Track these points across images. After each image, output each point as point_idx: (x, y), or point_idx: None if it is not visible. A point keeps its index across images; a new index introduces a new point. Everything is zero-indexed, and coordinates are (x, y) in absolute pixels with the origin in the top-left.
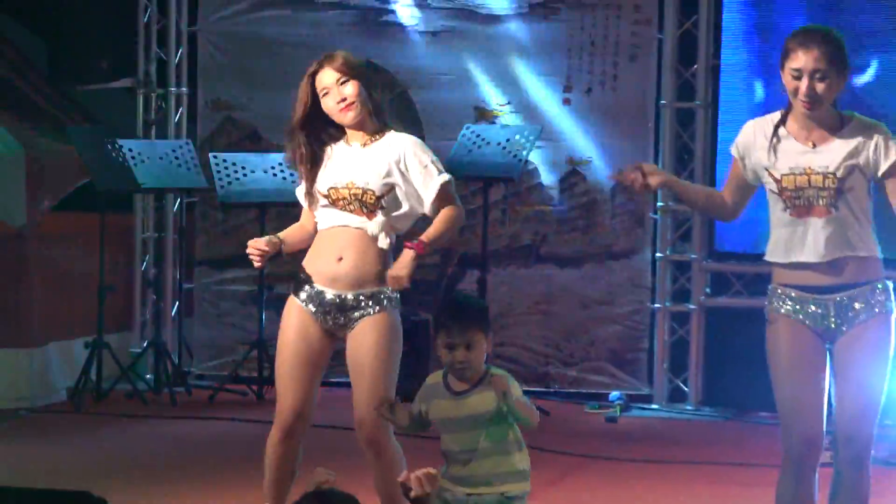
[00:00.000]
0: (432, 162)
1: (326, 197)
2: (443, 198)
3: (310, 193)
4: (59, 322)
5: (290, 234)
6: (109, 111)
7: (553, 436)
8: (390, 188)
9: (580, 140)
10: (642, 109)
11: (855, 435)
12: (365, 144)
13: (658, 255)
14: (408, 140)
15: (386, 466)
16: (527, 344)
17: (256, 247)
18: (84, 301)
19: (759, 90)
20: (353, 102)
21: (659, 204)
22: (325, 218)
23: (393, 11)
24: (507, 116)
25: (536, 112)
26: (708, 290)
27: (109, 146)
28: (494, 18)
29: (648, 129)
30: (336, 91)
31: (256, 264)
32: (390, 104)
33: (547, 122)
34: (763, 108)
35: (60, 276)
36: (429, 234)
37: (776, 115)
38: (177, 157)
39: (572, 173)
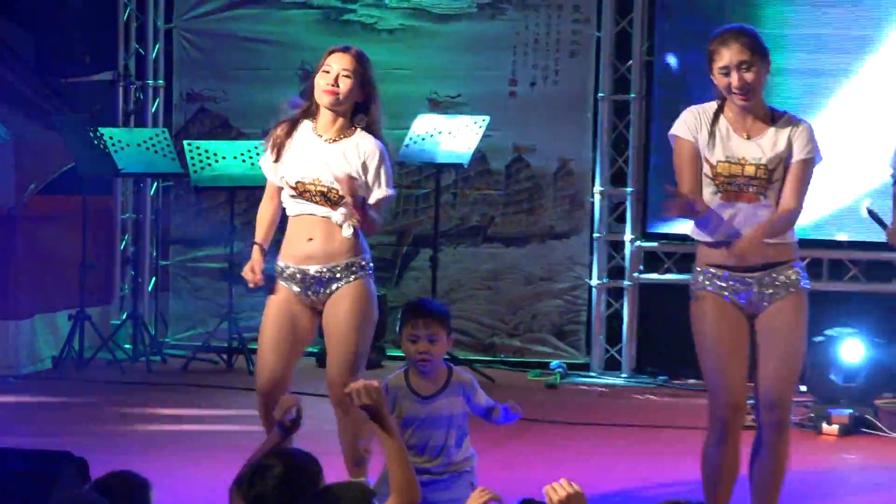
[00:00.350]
0: (387, 175)
1: (294, 188)
2: (379, 206)
3: (274, 165)
4: (44, 296)
5: (265, 231)
6: (91, 102)
7: (499, 401)
8: (357, 179)
9: (525, 129)
10: (582, 102)
11: (776, 401)
12: (332, 140)
13: (595, 235)
14: (375, 147)
15: (354, 424)
16: (475, 317)
17: (253, 278)
18: (68, 277)
19: (691, 84)
20: (337, 94)
21: (596, 188)
22: (293, 206)
23: (354, 10)
24: (458, 107)
25: (484, 103)
26: (641, 267)
27: (91, 134)
28: (446, 17)
29: (587, 119)
30: (336, 76)
31: (251, 284)
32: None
33: (494, 112)
34: (694, 101)
35: (46, 253)
36: (368, 219)
37: (713, 105)
38: (153, 145)
39: (517, 160)
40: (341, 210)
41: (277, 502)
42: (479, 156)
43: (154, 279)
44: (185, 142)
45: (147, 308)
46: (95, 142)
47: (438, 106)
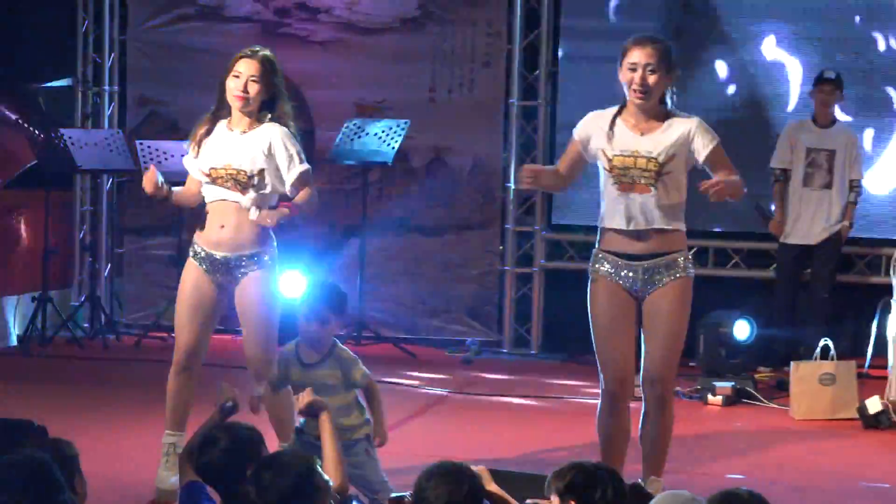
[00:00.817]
0: (297, 152)
1: (207, 175)
2: (303, 181)
3: (195, 160)
4: (10, 280)
5: (178, 192)
6: (53, 105)
7: (419, 375)
8: (260, 170)
9: (442, 132)
10: (494, 107)
11: (658, 378)
12: (244, 132)
13: (506, 226)
14: (278, 131)
15: (269, 400)
16: (399, 299)
17: (153, 182)
18: (31, 263)
19: (591, 92)
20: (247, 99)
21: (507, 185)
22: (209, 192)
23: (290, 24)
24: (383, 112)
25: (406, 108)
26: (547, 255)
27: (53, 134)
28: (372, 31)
29: (499, 123)
30: (245, 82)
31: (148, 190)
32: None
33: (415, 116)
34: (594, 108)
35: (12, 241)
36: (297, 203)
37: (614, 109)
38: (109, 144)
39: (436, 159)
40: (250, 194)
41: (223, 470)
42: (402, 155)
43: (109, 265)
44: (137, 141)
45: (103, 291)
46: (56, 141)
47: (365, 110)
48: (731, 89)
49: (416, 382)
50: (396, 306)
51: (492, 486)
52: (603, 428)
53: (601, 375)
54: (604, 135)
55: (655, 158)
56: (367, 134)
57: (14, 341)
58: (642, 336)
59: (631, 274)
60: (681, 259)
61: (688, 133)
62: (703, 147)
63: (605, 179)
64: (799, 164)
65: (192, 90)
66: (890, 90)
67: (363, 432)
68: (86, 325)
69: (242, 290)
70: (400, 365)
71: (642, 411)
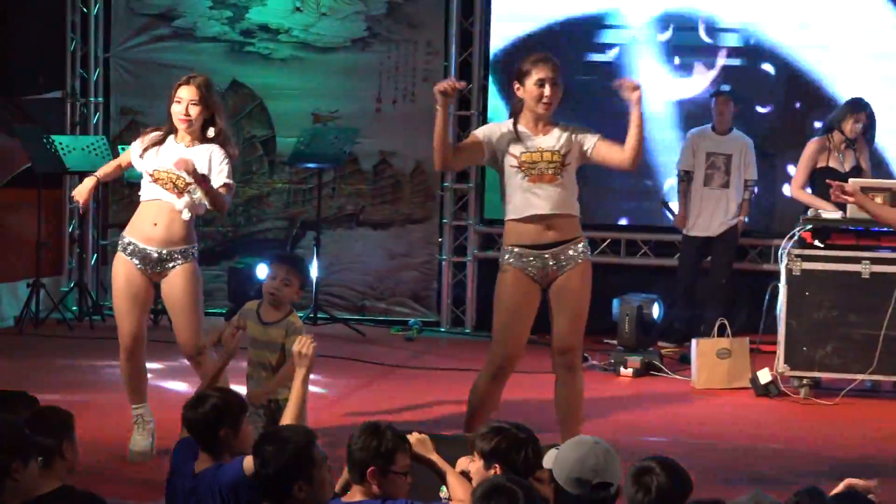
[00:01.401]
0: (228, 169)
1: (151, 175)
2: (226, 189)
3: (139, 159)
4: (7, 268)
5: (105, 171)
6: (45, 115)
7: (366, 351)
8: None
9: (388, 138)
10: (433, 116)
11: (568, 348)
12: (188, 145)
13: (444, 221)
14: (217, 151)
15: (206, 373)
16: (350, 285)
17: (80, 197)
18: (26, 253)
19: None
20: (190, 121)
21: (445, 184)
22: (146, 191)
23: (253, 44)
24: (335, 121)
25: (356, 117)
26: (479, 246)
27: (45, 140)
28: (327, 49)
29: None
30: (185, 106)
31: (80, 202)
32: (251, 112)
33: (364, 124)
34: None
35: (8, 234)
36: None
37: (509, 121)
38: (95, 149)
39: (382, 161)
40: (185, 199)
41: (205, 423)
42: (352, 158)
43: (95, 255)
44: (119, 146)
45: (90, 278)
46: (48, 146)
47: (320, 119)
48: None
49: (364, 357)
50: (348, 291)
51: (432, 455)
52: (480, 394)
53: (493, 348)
54: (508, 138)
55: (558, 151)
56: (322, 140)
57: (11, 322)
58: (552, 312)
59: (539, 263)
60: (581, 245)
61: (573, 133)
62: (588, 140)
63: (512, 176)
64: (700, 166)
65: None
66: None
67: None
68: (74, 308)
69: (171, 282)
70: (351, 342)
71: (556, 382)
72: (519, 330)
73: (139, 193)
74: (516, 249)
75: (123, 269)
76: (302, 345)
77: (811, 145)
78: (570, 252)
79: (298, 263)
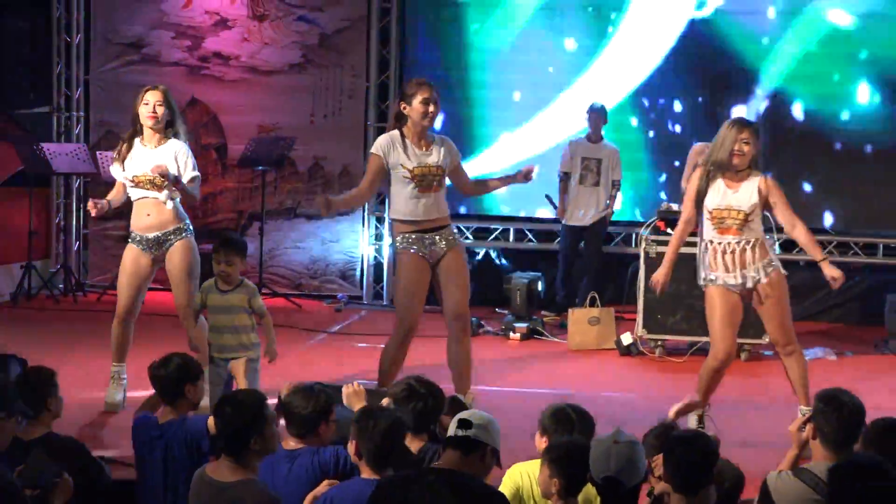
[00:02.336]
0: (193, 164)
1: (131, 181)
2: (193, 183)
3: (122, 172)
4: (3, 253)
5: (114, 197)
6: (35, 126)
7: (302, 321)
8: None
9: (320, 146)
10: (357, 128)
11: (460, 314)
12: (155, 146)
13: (366, 213)
14: (181, 146)
15: (193, 334)
16: (289, 266)
17: (95, 207)
18: (20, 241)
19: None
20: (157, 119)
21: None
22: (134, 193)
23: (208, 68)
24: (277, 131)
25: (294, 129)
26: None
27: (35, 147)
28: (269, 73)
29: (360, 140)
30: (153, 106)
31: (93, 215)
32: (206, 124)
33: (300, 135)
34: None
35: (4, 225)
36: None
37: (396, 132)
38: (77, 155)
39: (315, 165)
40: (165, 192)
41: (171, 380)
42: (291, 162)
43: (78, 242)
44: (97, 152)
45: (74, 260)
46: (38, 153)
47: (264, 130)
48: None
49: (300, 325)
50: (287, 271)
51: (363, 403)
52: (388, 355)
53: (399, 319)
54: (400, 152)
55: (441, 166)
56: (265, 147)
57: (7, 298)
58: (440, 286)
59: (428, 243)
60: (453, 231)
61: (448, 149)
62: (455, 160)
63: (404, 185)
64: (577, 169)
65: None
66: None
67: (255, 353)
68: (60, 286)
69: (171, 257)
70: (289, 313)
71: (448, 342)
72: (416, 303)
73: (126, 194)
74: (408, 235)
75: (131, 254)
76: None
77: (695, 148)
78: (449, 236)
79: (235, 245)
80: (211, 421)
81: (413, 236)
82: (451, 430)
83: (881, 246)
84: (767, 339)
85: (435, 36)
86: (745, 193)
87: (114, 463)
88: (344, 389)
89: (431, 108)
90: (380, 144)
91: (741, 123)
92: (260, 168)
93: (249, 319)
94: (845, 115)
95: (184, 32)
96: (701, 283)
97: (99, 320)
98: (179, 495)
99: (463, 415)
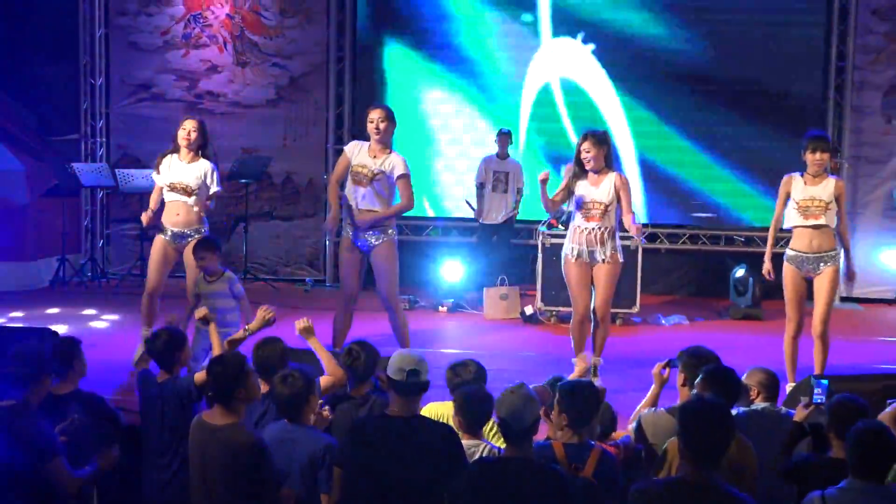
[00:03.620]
0: (217, 181)
1: (168, 185)
2: (213, 197)
3: (158, 176)
4: (44, 248)
5: (154, 202)
6: (68, 150)
7: (278, 299)
8: (199, 185)
9: (291, 162)
10: (320, 149)
11: (388, 297)
12: (189, 162)
13: (327, 214)
14: (209, 166)
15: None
16: (269, 257)
17: (145, 219)
18: (56, 239)
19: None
20: (190, 141)
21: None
22: (168, 195)
23: (203, 103)
24: (258, 152)
25: (271, 150)
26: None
27: (66, 166)
28: (251, 106)
29: (321, 158)
30: (188, 131)
31: (145, 224)
32: None
33: (276, 154)
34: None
35: (44, 227)
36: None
37: (365, 143)
38: (101, 172)
39: (287, 178)
40: (193, 198)
41: (165, 350)
42: (268, 176)
43: (102, 240)
44: (116, 170)
45: (99, 254)
46: (68, 170)
47: (247, 151)
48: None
49: (276, 303)
50: (266, 260)
51: (312, 338)
52: (338, 323)
53: (339, 295)
54: (360, 154)
55: (380, 171)
56: (248, 165)
57: (46, 283)
58: (376, 274)
59: (363, 239)
60: (391, 228)
61: (392, 161)
62: (395, 171)
63: (349, 177)
64: (490, 180)
65: (148, 141)
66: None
67: (235, 329)
68: (88, 274)
69: (188, 250)
70: (268, 294)
71: (388, 317)
72: (352, 282)
73: (163, 197)
74: (348, 230)
75: (161, 243)
76: (266, 311)
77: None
78: (380, 233)
79: (202, 244)
80: (196, 377)
81: (351, 228)
82: (398, 376)
83: (723, 237)
84: (637, 309)
85: (379, 76)
86: (604, 189)
87: (125, 410)
88: (296, 325)
89: (377, 127)
90: (349, 147)
91: (583, 136)
92: (243, 181)
93: (232, 302)
94: None
95: (183, 76)
96: (563, 256)
97: (118, 301)
98: (173, 436)
99: (408, 367)
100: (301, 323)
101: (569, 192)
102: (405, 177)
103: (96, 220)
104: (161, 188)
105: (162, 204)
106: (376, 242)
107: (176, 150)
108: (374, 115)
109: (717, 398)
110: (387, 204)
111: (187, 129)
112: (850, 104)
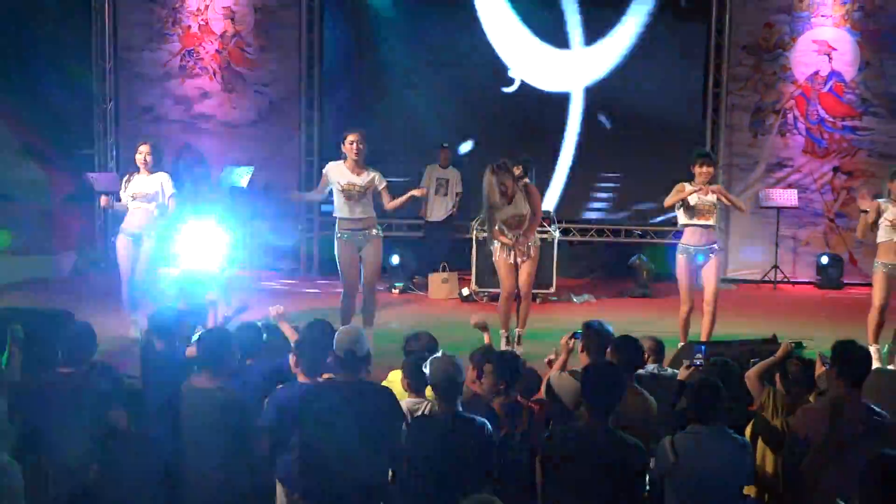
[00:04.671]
0: (171, 184)
1: (132, 196)
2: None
3: (125, 192)
4: (64, 244)
5: (120, 205)
6: (84, 163)
7: (260, 284)
8: (157, 191)
9: (270, 173)
10: (295, 162)
11: (370, 285)
12: (147, 175)
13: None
14: (165, 176)
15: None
16: (251, 249)
17: (104, 201)
18: (72, 236)
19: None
20: (147, 164)
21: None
22: (131, 204)
23: (197, 123)
24: (240, 164)
25: (253, 162)
26: (320, 226)
27: (83, 176)
28: (236, 126)
29: (297, 170)
30: (144, 156)
31: (103, 205)
32: (196, 161)
33: (257, 165)
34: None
35: (65, 227)
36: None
37: (341, 162)
38: (111, 181)
39: (267, 185)
40: (154, 205)
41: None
42: (251, 182)
43: (112, 238)
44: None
45: (110, 250)
46: (84, 179)
47: (234, 163)
48: None
49: (258, 290)
50: (250, 252)
51: (283, 325)
52: (345, 309)
53: (343, 283)
54: (338, 172)
55: (363, 185)
56: (234, 173)
57: (66, 274)
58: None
59: (358, 236)
60: (374, 229)
61: (374, 176)
62: (379, 185)
63: (339, 193)
64: (433, 184)
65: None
66: None
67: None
68: (101, 265)
69: (142, 247)
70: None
71: (363, 299)
72: (352, 276)
73: (127, 206)
74: (345, 230)
75: (123, 243)
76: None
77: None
78: (372, 231)
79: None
80: (188, 351)
81: (346, 231)
82: (339, 353)
83: (623, 231)
84: (553, 290)
85: (344, 105)
86: (522, 199)
87: (129, 377)
88: (270, 310)
89: (356, 147)
90: (328, 167)
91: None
92: (230, 187)
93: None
94: None
95: (180, 101)
96: (493, 248)
97: (119, 286)
98: (168, 398)
99: (345, 346)
100: (274, 309)
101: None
102: (387, 185)
103: (108, 221)
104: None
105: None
106: (369, 239)
107: (136, 170)
108: (354, 137)
109: (609, 363)
110: (373, 208)
111: (143, 154)
112: (724, 123)
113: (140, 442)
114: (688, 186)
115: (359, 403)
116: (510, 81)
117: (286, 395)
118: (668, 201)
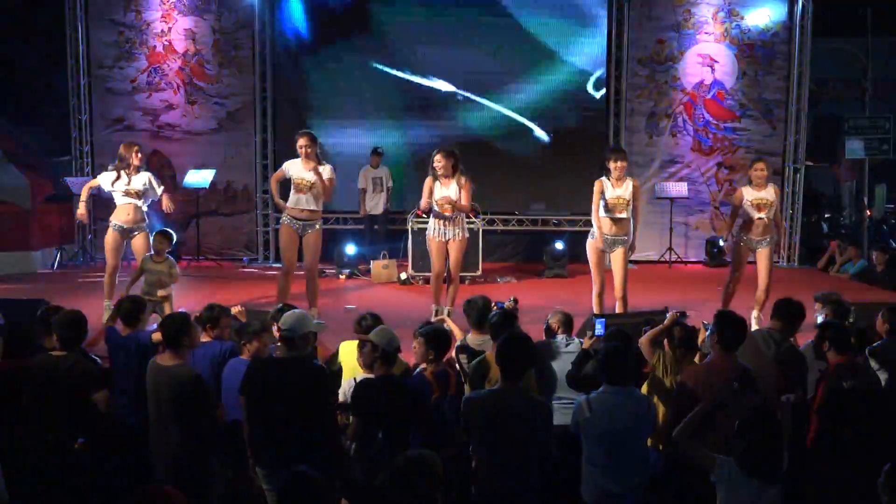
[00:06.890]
0: (158, 184)
1: (122, 192)
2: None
3: (111, 188)
4: (47, 241)
5: (84, 197)
6: (62, 168)
7: (222, 274)
8: (145, 189)
9: (230, 174)
10: (251, 164)
11: (311, 269)
12: (134, 174)
13: (258, 211)
14: (150, 175)
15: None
16: (214, 241)
17: (82, 213)
18: (55, 234)
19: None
20: (134, 166)
21: (258, 193)
22: (120, 199)
23: (163, 131)
24: (204, 167)
25: (215, 166)
26: (277, 220)
27: (62, 179)
28: (198, 134)
29: (253, 171)
30: (130, 158)
31: (80, 214)
32: (164, 165)
33: (219, 168)
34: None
35: (45, 225)
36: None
37: (296, 160)
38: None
39: (228, 186)
40: (141, 200)
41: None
42: (213, 186)
43: (90, 234)
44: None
45: (89, 244)
46: (63, 183)
47: (197, 167)
48: None
49: (221, 278)
50: (213, 244)
51: (242, 317)
52: (282, 287)
53: (283, 262)
54: (294, 169)
55: (309, 180)
56: (198, 175)
57: (49, 268)
58: (304, 251)
59: (298, 224)
60: (318, 223)
61: (323, 170)
62: (328, 174)
63: (292, 187)
64: (370, 184)
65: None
66: None
67: (170, 301)
68: (80, 260)
69: (134, 242)
70: (215, 271)
71: (306, 280)
72: (291, 256)
73: (115, 202)
74: (287, 216)
75: (112, 236)
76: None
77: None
78: (315, 225)
79: (163, 234)
80: (153, 336)
81: (288, 218)
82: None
83: (540, 220)
84: (479, 272)
85: (295, 113)
86: (453, 190)
87: (99, 357)
88: (232, 310)
89: (304, 152)
90: (286, 164)
91: (437, 150)
92: (195, 188)
93: (168, 280)
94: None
95: (147, 112)
96: (427, 234)
97: (102, 279)
98: (134, 378)
99: (286, 326)
100: (236, 308)
101: (430, 192)
102: (332, 178)
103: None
104: (90, 188)
105: (112, 204)
106: (310, 228)
107: (125, 168)
108: (302, 141)
109: (522, 334)
110: (320, 202)
111: (130, 152)
112: (624, 126)
113: (115, 419)
114: (605, 181)
115: (290, 375)
116: (433, 100)
117: (235, 368)
118: (593, 204)
